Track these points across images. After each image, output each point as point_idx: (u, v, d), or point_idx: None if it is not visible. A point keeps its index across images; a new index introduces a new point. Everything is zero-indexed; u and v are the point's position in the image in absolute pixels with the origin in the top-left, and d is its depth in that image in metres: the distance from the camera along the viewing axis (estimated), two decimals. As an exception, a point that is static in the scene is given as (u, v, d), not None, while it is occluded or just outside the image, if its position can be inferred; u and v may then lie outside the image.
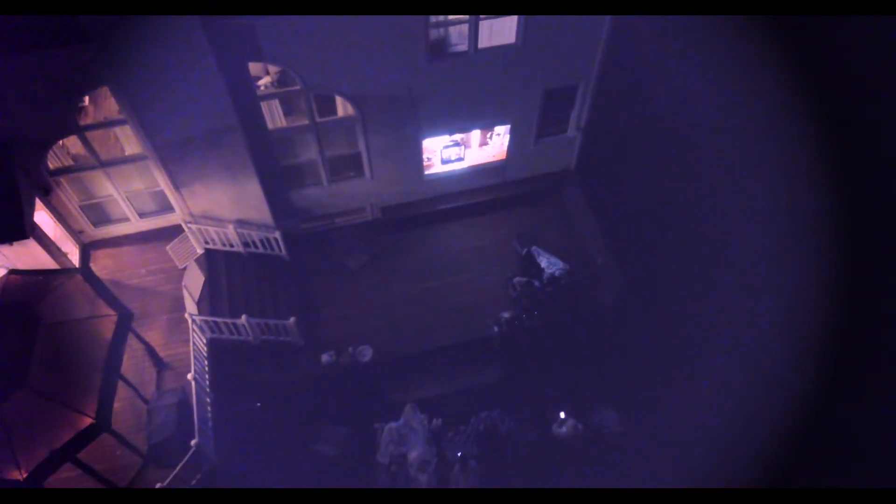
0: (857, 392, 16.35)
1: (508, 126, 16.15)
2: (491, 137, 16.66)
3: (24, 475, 10.31)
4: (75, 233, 15.37)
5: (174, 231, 15.62)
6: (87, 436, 10.85)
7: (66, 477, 11.82)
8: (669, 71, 22.37)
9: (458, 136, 16.29)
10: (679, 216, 19.09)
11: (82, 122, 13.10)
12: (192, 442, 11.87)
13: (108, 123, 13.43)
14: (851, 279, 17.70)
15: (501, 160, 17.10)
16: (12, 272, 12.38)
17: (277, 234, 15.67)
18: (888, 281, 17.96)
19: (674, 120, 21.14)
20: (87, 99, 15.06)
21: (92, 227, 15.44)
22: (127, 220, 15.53)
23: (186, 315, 13.42)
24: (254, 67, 14.22)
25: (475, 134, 16.49)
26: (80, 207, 14.89)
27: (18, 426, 10.52)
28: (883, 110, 21.42)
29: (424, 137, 15.58)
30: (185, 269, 15.28)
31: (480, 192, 17.70)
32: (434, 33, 13.37)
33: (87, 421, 10.83)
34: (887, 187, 19.80)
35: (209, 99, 12.36)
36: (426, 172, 16.74)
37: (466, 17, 13.11)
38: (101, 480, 11.90)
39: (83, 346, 11.55)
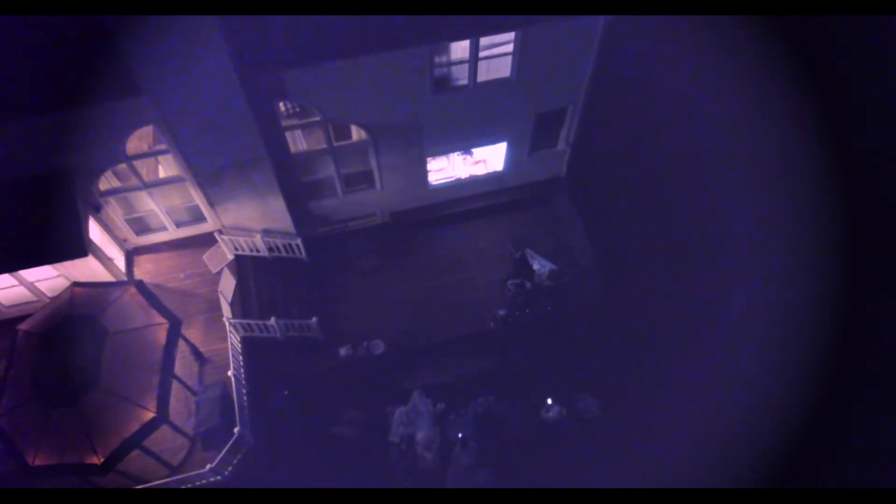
0: (852, 391, 17.57)
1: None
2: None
3: (102, 460, 12.56)
4: (120, 241, 17.30)
5: (206, 238, 17.60)
6: (149, 427, 13.04)
7: (127, 458, 13.97)
8: (655, 76, 23.73)
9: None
10: (662, 219, 20.77)
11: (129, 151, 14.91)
12: (235, 430, 14.09)
13: (153, 153, 15.22)
14: (842, 284, 18.85)
15: (498, 170, 18.94)
16: (76, 285, 14.41)
17: (299, 241, 17.60)
18: (886, 281, 19.10)
19: (657, 125, 22.64)
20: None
21: (134, 235, 17.36)
22: (165, 229, 17.45)
23: (224, 319, 15.49)
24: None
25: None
26: (125, 220, 16.79)
27: (94, 420, 12.68)
28: (884, 113, 22.26)
29: (429, 156, 17.37)
30: (218, 273, 17.26)
31: (480, 198, 19.55)
32: (438, 71, 15.05)
33: (150, 414, 13.00)
34: (886, 188, 20.80)
35: (242, 135, 14.14)
36: (431, 182, 18.57)
37: (467, 56, 14.80)
38: (158, 460, 14.20)
39: (142, 351, 13.64)
